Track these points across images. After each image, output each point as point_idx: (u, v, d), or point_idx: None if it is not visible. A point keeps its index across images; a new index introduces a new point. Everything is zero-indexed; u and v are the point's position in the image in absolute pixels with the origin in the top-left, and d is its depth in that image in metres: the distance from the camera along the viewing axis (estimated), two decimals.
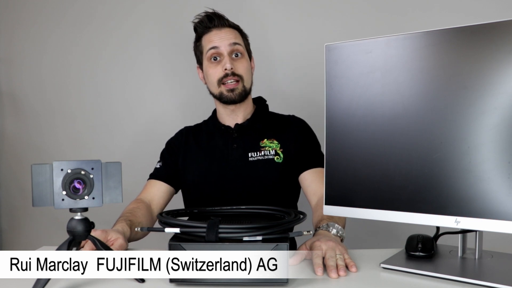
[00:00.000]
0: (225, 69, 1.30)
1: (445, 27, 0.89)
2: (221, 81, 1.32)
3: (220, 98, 1.34)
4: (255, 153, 1.32)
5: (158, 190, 1.36)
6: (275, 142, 1.34)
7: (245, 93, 1.34)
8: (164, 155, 1.43)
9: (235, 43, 1.33)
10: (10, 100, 2.09)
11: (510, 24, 0.82)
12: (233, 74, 1.30)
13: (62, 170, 0.85)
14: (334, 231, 1.07)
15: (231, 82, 1.31)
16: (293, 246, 1.39)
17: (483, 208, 0.85)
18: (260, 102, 1.44)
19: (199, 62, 1.41)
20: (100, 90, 2.02)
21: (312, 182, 1.29)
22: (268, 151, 1.32)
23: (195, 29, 1.39)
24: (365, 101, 0.99)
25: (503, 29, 0.83)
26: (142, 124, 2.00)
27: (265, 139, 1.34)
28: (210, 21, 1.35)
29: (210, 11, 1.37)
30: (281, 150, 1.33)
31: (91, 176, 0.86)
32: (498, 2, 1.71)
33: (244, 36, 1.40)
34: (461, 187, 0.87)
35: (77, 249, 0.94)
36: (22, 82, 2.07)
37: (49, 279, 0.83)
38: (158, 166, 1.41)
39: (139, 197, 1.34)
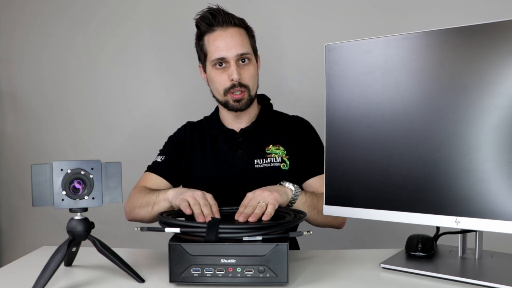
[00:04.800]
0: (232, 80, 1.25)
1: (445, 27, 0.89)
2: (227, 91, 1.27)
3: (226, 106, 1.30)
4: (261, 160, 1.29)
5: (158, 186, 1.30)
6: (281, 148, 1.30)
7: (251, 102, 1.31)
8: (167, 150, 1.37)
9: (242, 54, 1.26)
10: (10, 100, 2.09)
11: (510, 24, 0.82)
12: (240, 84, 1.26)
13: (62, 170, 0.85)
14: (289, 185, 1.11)
15: (237, 93, 1.26)
16: (294, 247, 1.39)
17: (483, 208, 0.85)
18: (264, 101, 1.41)
19: (202, 62, 1.35)
20: (100, 90, 2.02)
21: (317, 188, 1.28)
22: (274, 158, 1.29)
23: (197, 26, 1.32)
24: (365, 101, 0.99)
25: (503, 29, 0.83)
26: (142, 124, 2.00)
27: (271, 145, 1.31)
28: (214, 18, 1.27)
29: (214, 7, 1.30)
30: (287, 157, 1.30)
31: (91, 176, 0.86)
32: (498, 2, 1.71)
33: (250, 34, 1.33)
34: (461, 187, 0.87)
35: (76, 249, 0.95)
36: (22, 82, 2.07)
37: (49, 279, 0.83)
38: (159, 159, 1.35)
39: (143, 185, 1.29)
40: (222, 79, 1.27)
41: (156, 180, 1.32)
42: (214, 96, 1.35)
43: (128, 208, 1.26)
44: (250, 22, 1.39)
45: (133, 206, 1.23)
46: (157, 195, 1.15)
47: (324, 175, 1.06)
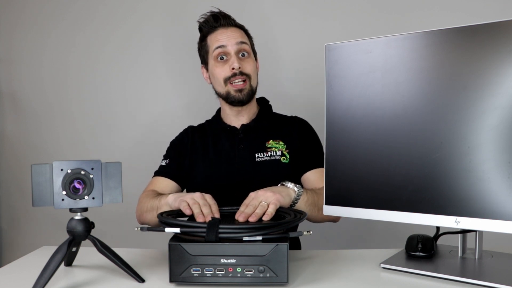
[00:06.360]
0: (233, 68, 1.29)
1: (445, 27, 0.89)
2: (228, 80, 1.31)
3: (227, 98, 1.33)
4: (262, 154, 1.32)
5: (167, 187, 1.33)
6: (281, 143, 1.33)
7: (252, 93, 1.34)
8: (170, 153, 1.40)
9: (242, 42, 1.32)
10: (10, 100, 2.09)
11: (510, 24, 0.82)
12: (241, 73, 1.30)
13: (62, 170, 0.85)
14: (292, 186, 1.11)
15: (238, 81, 1.30)
16: (296, 246, 1.39)
17: (483, 208, 0.85)
18: (263, 103, 1.44)
19: (204, 62, 1.39)
20: (100, 90, 2.02)
21: (315, 181, 1.29)
22: (274, 152, 1.32)
23: (200, 29, 1.38)
24: (365, 101, 0.99)
25: (503, 29, 0.83)
26: (142, 124, 2.00)
27: (271, 140, 1.34)
28: (216, 21, 1.34)
29: (216, 10, 1.36)
30: (287, 151, 1.32)
31: (91, 176, 0.86)
32: (498, 2, 1.71)
33: (249, 36, 1.40)
34: (461, 187, 0.87)
35: (76, 249, 0.95)
36: (22, 82, 2.07)
37: (49, 279, 0.83)
38: (164, 163, 1.38)
39: (151, 189, 1.31)
40: (223, 70, 1.32)
41: (164, 183, 1.34)
42: (216, 93, 1.38)
43: (137, 213, 1.29)
44: (250, 22, 1.41)
45: (141, 211, 1.26)
46: (159, 200, 1.17)
47: (322, 169, 1.07)
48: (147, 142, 1.96)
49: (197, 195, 1.03)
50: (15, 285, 0.90)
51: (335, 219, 1.27)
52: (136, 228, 0.95)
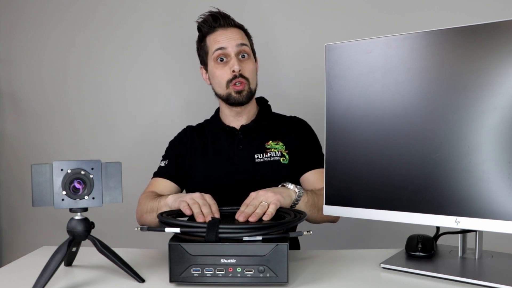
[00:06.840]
0: (233, 71, 1.29)
1: (445, 27, 0.89)
2: (229, 83, 1.31)
3: (227, 100, 1.33)
4: (261, 154, 1.32)
5: (166, 188, 1.33)
6: (280, 143, 1.34)
7: (251, 95, 1.34)
8: (169, 153, 1.40)
9: (242, 44, 1.32)
10: (10, 100, 2.09)
11: (510, 24, 0.82)
12: (241, 76, 1.30)
13: (62, 170, 0.85)
14: (292, 187, 1.11)
15: (238, 83, 1.30)
16: (295, 246, 1.39)
17: (483, 208, 0.85)
18: (262, 103, 1.44)
19: (203, 63, 1.39)
20: (100, 90, 2.02)
21: (315, 182, 1.29)
22: (274, 153, 1.32)
23: (199, 29, 1.37)
24: (365, 101, 0.99)
25: (503, 29, 0.83)
26: (143, 124, 2.00)
27: (271, 141, 1.34)
28: (215, 21, 1.33)
29: (215, 10, 1.35)
30: (287, 151, 1.33)
31: (91, 176, 0.86)
32: (498, 2, 1.71)
33: (249, 36, 1.39)
34: (461, 187, 0.87)
35: (76, 249, 0.95)
36: (22, 82, 2.07)
37: (49, 279, 0.83)
38: (163, 164, 1.37)
39: (150, 190, 1.31)
40: (224, 72, 1.31)
41: (163, 184, 1.34)
42: (216, 94, 1.38)
43: (137, 214, 1.29)
44: (250, 22, 1.40)
45: (141, 212, 1.26)
46: (159, 201, 1.17)
47: (321, 169, 1.07)
48: (147, 142, 1.96)
49: (196, 195, 1.03)
50: (15, 285, 0.90)
51: (334, 220, 1.27)
52: (136, 228, 0.95)
